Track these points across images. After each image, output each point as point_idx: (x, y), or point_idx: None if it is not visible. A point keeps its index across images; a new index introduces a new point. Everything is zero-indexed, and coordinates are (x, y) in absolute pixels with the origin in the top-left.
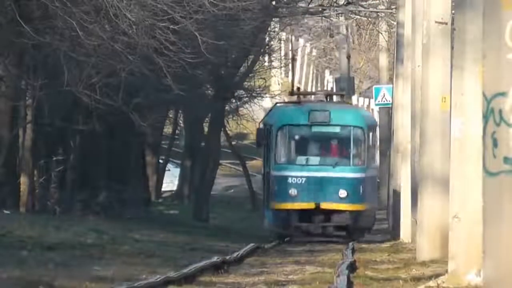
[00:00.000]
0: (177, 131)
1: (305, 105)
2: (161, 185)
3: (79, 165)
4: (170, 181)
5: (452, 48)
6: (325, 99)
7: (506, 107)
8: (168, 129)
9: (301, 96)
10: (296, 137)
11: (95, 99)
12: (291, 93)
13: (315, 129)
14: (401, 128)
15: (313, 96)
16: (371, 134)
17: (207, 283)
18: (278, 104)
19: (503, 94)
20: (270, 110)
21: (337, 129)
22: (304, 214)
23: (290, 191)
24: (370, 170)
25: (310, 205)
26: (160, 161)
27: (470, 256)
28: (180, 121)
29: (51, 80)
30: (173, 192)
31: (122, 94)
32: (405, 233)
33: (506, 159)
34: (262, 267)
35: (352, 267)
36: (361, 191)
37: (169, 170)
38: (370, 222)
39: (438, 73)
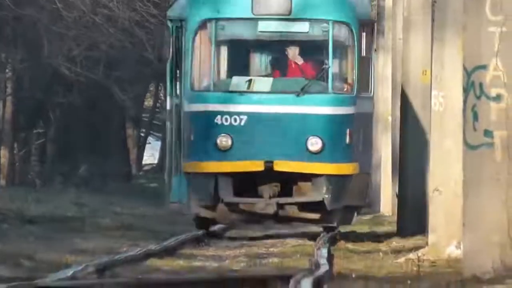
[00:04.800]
0: (157, 104)
1: None
2: (142, 158)
3: (59, 138)
4: (151, 155)
5: (433, 20)
6: None
7: (487, 80)
8: (149, 102)
9: None
10: (230, 41)
11: (76, 72)
12: None
13: (264, 26)
14: (382, 100)
15: None
16: (364, 35)
17: (188, 256)
18: None
19: (483, 67)
20: None
21: (303, 27)
22: (245, 182)
23: (218, 140)
24: (363, 102)
25: (256, 166)
26: (141, 134)
27: (450, 229)
28: (161, 94)
29: (31, 52)
30: (154, 165)
31: (102, 67)
32: (385, 206)
33: (486, 132)
34: (243, 240)
35: (332, 240)
36: (346, 139)
37: (150, 143)
38: (361, 197)
39: (419, 45)
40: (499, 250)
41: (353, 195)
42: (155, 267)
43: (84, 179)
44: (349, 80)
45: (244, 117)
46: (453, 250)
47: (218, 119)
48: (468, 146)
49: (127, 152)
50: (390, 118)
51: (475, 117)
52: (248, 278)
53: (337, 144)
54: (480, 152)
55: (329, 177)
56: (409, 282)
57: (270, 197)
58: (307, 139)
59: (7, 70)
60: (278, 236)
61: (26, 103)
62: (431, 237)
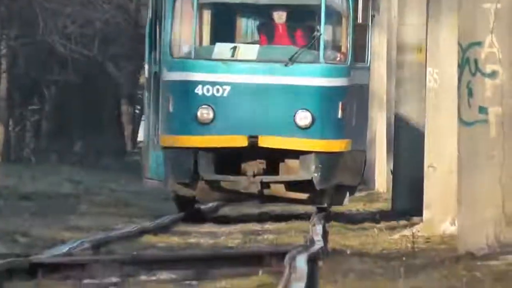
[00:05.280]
0: None
1: None
2: (137, 135)
3: (54, 115)
4: None
5: None
6: None
7: (482, 56)
8: (143, 79)
9: None
10: (214, 4)
11: (71, 49)
12: None
13: None
14: (377, 77)
15: None
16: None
17: (183, 233)
18: None
19: (478, 43)
20: None
21: None
22: (227, 159)
23: (198, 113)
24: (358, 73)
25: (239, 141)
26: (136, 111)
27: (445, 206)
28: None
29: (26, 30)
30: None
31: (97, 44)
32: (380, 183)
33: (481, 109)
34: (238, 216)
35: (327, 217)
36: (339, 113)
37: (144, 120)
38: (354, 176)
39: (414, 22)
40: (493, 226)
41: (345, 173)
42: (150, 243)
43: (79, 156)
44: (343, 49)
45: (228, 88)
46: (447, 227)
47: (199, 90)
48: (463, 122)
49: (122, 128)
50: (385, 95)
51: (470, 93)
52: (243, 255)
53: (328, 118)
54: (475, 128)
55: (319, 154)
56: (404, 258)
57: (254, 175)
58: (296, 112)
59: (1, 47)
60: (273, 212)
61: (21, 80)
62: (426, 214)
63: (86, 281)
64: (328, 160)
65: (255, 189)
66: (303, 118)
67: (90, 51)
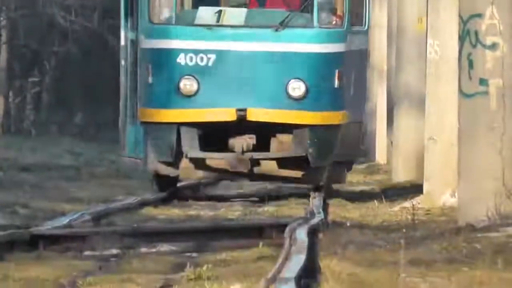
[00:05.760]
0: None
1: None
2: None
3: (54, 87)
4: None
5: None
6: None
7: (482, 28)
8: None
9: None
10: None
11: (71, 20)
12: None
13: None
14: (377, 48)
15: None
16: None
17: (183, 205)
18: None
19: (479, 15)
20: None
21: None
22: (213, 134)
23: (181, 84)
24: (355, 38)
25: (226, 114)
26: None
27: (445, 178)
28: None
29: (26, 1)
30: None
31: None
32: (380, 155)
33: (481, 81)
34: (238, 188)
35: (328, 188)
36: (335, 82)
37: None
38: (352, 151)
39: None
40: (493, 198)
41: (342, 149)
42: (150, 215)
43: (79, 127)
44: (339, 12)
45: (213, 56)
46: (448, 199)
47: (181, 58)
48: (463, 94)
49: None
50: (385, 67)
51: (471, 65)
52: (244, 227)
53: (323, 88)
54: (475, 100)
55: (314, 128)
56: (404, 230)
57: (243, 152)
58: (288, 82)
59: (1, 18)
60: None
61: (21, 51)
62: (426, 186)
63: (86, 252)
64: (324, 134)
65: (244, 167)
66: (296, 88)
67: (91, 23)
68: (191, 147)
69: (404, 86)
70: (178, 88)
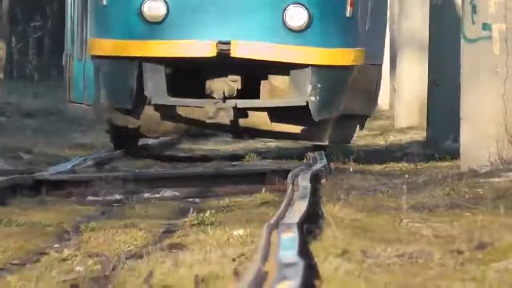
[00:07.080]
0: None
1: None
2: None
3: (56, 32)
4: None
5: None
6: None
7: None
8: None
9: None
10: None
11: None
12: None
13: None
14: None
15: None
16: None
17: (185, 151)
18: None
19: None
20: None
21: None
22: (185, 74)
23: (145, 7)
24: None
25: (203, 49)
26: None
27: (448, 123)
28: None
29: None
30: None
31: None
32: (383, 100)
33: (484, 25)
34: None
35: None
36: (347, 10)
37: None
38: (367, 102)
39: None
40: (496, 143)
41: (355, 98)
42: (153, 161)
43: None
44: None
45: None
46: (450, 144)
47: None
48: (467, 39)
49: None
50: (388, 13)
51: (474, 10)
52: (247, 173)
53: (331, 17)
54: (479, 45)
55: (318, 68)
56: (406, 176)
57: (224, 99)
58: (285, 9)
59: None
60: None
61: None
62: (429, 131)
63: (89, 198)
64: (331, 78)
65: (226, 118)
66: (296, 16)
67: None
68: (156, 91)
69: (407, 32)
70: (141, 11)
